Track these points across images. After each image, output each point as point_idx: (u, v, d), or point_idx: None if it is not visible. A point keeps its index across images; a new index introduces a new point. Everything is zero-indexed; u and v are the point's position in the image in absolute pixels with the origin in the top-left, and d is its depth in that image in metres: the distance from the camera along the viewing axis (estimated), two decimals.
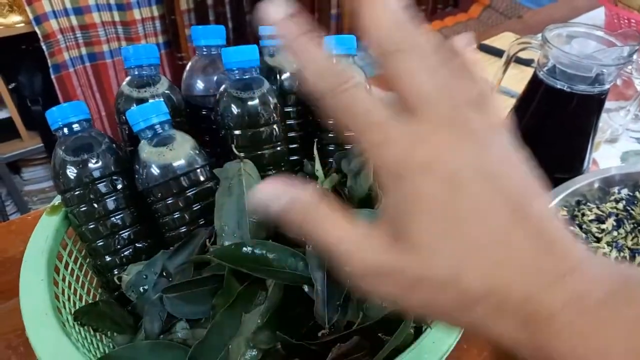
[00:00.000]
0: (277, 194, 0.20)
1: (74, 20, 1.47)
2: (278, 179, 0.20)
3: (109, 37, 1.56)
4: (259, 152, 0.44)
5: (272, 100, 0.43)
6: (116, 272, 0.40)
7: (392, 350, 0.31)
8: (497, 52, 1.01)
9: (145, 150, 0.40)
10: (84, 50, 1.53)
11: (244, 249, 0.36)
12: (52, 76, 1.47)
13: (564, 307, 0.16)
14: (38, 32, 1.40)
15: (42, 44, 1.41)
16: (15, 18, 1.41)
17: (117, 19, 1.55)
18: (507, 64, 0.70)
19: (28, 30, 1.42)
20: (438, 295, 0.18)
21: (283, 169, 0.45)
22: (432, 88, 0.19)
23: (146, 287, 0.38)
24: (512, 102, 0.80)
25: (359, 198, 0.42)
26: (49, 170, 1.71)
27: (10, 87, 1.48)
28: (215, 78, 0.47)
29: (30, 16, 1.39)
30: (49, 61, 1.44)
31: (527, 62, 0.94)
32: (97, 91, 1.61)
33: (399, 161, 0.18)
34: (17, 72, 1.54)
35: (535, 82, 0.65)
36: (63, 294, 0.39)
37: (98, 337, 0.40)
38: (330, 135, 0.48)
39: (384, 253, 0.19)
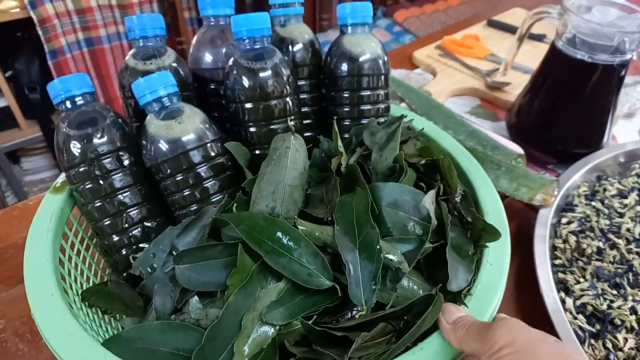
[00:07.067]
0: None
1: (69, 4, 1.43)
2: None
3: (106, 21, 1.52)
4: (271, 127, 0.41)
5: (286, 72, 0.41)
6: (124, 252, 0.38)
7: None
8: (507, 28, 0.98)
9: (153, 124, 0.38)
10: (81, 35, 1.50)
11: (263, 222, 0.34)
12: (49, 62, 1.43)
13: None
14: (33, 16, 1.36)
15: (38, 29, 1.37)
16: (10, 3, 1.38)
17: (113, 2, 1.51)
18: (522, 37, 0.68)
19: (24, 15, 1.39)
20: None
21: None
22: None
23: (155, 266, 0.36)
24: (527, 78, 0.78)
25: (384, 171, 0.40)
26: (48, 160, 1.68)
27: (6, 75, 1.44)
28: (224, 50, 0.45)
29: (25, 0, 1.35)
30: (45, 47, 1.41)
31: (539, 37, 0.92)
32: (95, 77, 1.58)
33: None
34: (14, 59, 1.51)
35: (553, 53, 0.62)
36: (69, 275, 0.37)
37: (107, 320, 0.38)
38: (345, 109, 0.46)
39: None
